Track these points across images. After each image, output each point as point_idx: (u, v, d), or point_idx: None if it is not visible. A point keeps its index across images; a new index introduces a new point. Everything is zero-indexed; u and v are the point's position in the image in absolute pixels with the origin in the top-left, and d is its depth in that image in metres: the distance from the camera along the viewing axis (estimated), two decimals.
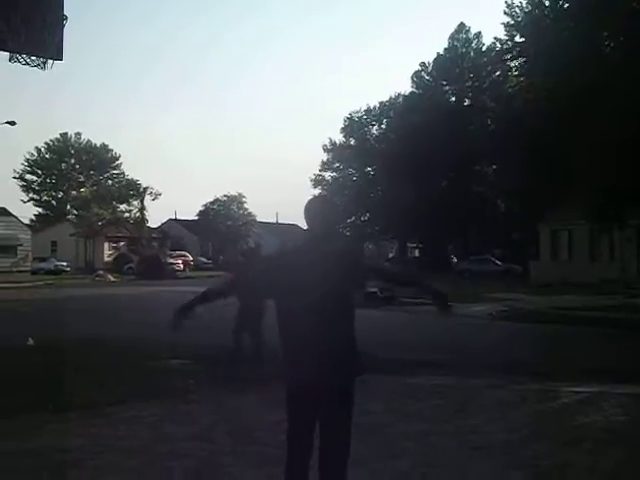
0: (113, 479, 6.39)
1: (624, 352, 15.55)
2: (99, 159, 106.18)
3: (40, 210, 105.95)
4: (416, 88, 75.30)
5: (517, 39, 48.75)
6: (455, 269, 58.87)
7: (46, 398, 9.42)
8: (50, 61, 10.48)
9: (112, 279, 54.95)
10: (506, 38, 53.12)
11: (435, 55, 75.08)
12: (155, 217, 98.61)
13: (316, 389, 4.60)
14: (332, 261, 4.68)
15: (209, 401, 9.81)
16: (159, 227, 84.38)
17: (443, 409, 9.48)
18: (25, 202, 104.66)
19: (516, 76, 57.43)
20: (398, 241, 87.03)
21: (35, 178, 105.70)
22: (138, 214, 71.86)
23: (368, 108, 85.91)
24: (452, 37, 74.28)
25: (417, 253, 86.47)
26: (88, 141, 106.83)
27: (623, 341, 18.03)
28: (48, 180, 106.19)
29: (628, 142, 21.59)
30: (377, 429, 5.55)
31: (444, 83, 74.33)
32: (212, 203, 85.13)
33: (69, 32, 10.81)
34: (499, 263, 57.28)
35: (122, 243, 77.40)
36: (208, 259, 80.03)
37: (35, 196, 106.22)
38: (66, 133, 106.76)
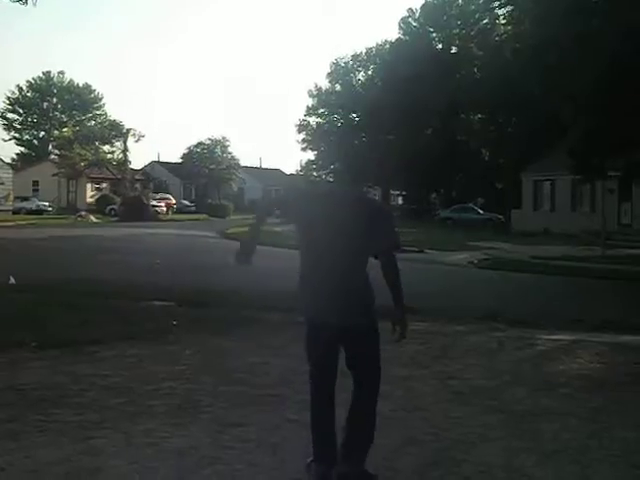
0: (95, 416, 6.43)
1: (601, 302, 15.74)
2: (82, 99, 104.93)
3: (22, 149, 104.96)
4: (403, 34, 74.47)
5: None
6: (437, 217, 58.93)
7: (28, 336, 9.45)
8: None
9: (94, 220, 54.70)
10: None
11: (423, 1, 74.28)
12: (138, 159, 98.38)
13: (332, 322, 4.85)
14: (363, 209, 4.96)
15: (191, 342, 9.85)
16: (142, 169, 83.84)
17: (423, 354, 9.57)
18: (6, 141, 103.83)
19: (504, 25, 57.01)
20: (381, 188, 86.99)
21: (16, 117, 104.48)
22: (121, 156, 71.26)
23: (354, 54, 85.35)
24: None
25: (400, 201, 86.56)
26: (71, 80, 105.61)
27: (601, 291, 18.23)
28: (30, 119, 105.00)
29: (612, 91, 21.55)
30: None
31: (431, 30, 73.46)
32: (196, 146, 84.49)
33: None
34: (481, 212, 57.37)
35: (105, 184, 76.87)
36: (191, 202, 79.82)
37: (16, 135, 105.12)
38: (49, 72, 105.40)
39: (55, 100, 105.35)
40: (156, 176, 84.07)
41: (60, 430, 6.08)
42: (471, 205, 60.57)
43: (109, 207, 64.54)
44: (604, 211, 30.04)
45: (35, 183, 76.41)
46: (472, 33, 72.17)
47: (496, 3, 46.45)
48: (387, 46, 79.21)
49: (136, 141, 71.75)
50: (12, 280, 15.27)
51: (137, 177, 75.74)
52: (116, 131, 72.36)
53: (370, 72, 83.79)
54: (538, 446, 5.98)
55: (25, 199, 68.07)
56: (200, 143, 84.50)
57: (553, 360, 9.58)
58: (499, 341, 10.57)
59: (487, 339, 10.79)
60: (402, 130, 65.77)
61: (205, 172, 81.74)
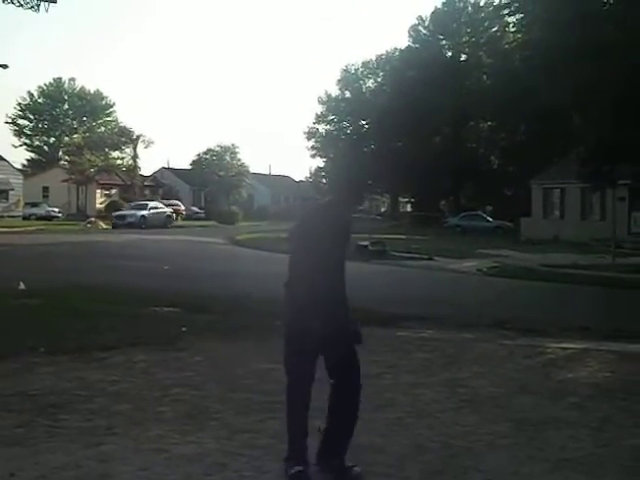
0: (104, 422, 6.45)
1: (611, 310, 15.67)
2: (92, 105, 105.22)
3: (32, 155, 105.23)
4: (413, 42, 74.52)
5: None
6: (446, 225, 58.78)
7: (38, 341, 9.48)
8: (44, 3, 10.36)
9: (104, 226, 54.79)
10: None
11: (432, 9, 74.36)
12: (148, 165, 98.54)
13: (316, 327, 5.15)
14: (330, 223, 5.37)
15: (200, 349, 9.86)
16: (152, 175, 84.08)
17: (431, 362, 9.57)
18: (17, 147, 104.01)
19: (513, 32, 57.00)
20: (390, 196, 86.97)
21: (27, 123, 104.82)
22: (131, 162, 71.49)
23: (364, 61, 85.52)
24: None
25: (409, 208, 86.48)
26: (82, 87, 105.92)
27: (610, 299, 18.16)
28: (40, 125, 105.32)
29: (623, 100, 21.52)
30: (365, 380, 5.64)
31: (441, 37, 73.53)
32: (205, 153, 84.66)
33: None
34: (490, 219, 57.19)
35: (114, 190, 77.07)
36: (200, 208, 79.95)
37: (27, 141, 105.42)
38: (60, 78, 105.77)
39: (66, 106, 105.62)
40: (165, 182, 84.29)
41: (69, 436, 6.11)
42: (480, 212, 60.43)
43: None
44: (614, 219, 29.93)
45: (45, 189, 76.68)
46: (482, 41, 72.18)
47: (506, 10, 46.34)
48: (397, 53, 79.32)
49: (146, 147, 71.96)
50: (22, 286, 15.30)
51: (146, 183, 76.02)
52: (126, 137, 72.64)
53: (380, 79, 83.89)
54: (546, 455, 5.97)
55: (35, 205, 68.30)
56: (209, 150, 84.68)
57: (562, 368, 9.55)
58: (508, 349, 10.55)
59: (496, 347, 10.77)
60: (411, 137, 65.78)
61: (214, 179, 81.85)
